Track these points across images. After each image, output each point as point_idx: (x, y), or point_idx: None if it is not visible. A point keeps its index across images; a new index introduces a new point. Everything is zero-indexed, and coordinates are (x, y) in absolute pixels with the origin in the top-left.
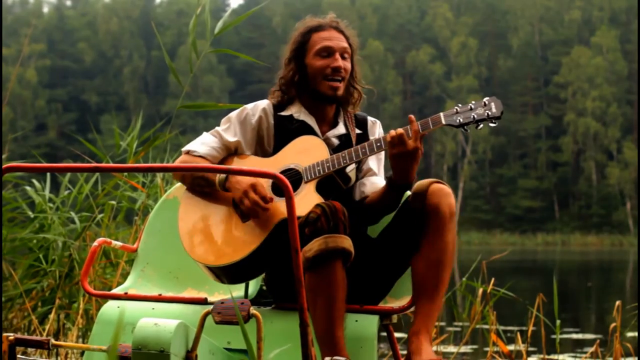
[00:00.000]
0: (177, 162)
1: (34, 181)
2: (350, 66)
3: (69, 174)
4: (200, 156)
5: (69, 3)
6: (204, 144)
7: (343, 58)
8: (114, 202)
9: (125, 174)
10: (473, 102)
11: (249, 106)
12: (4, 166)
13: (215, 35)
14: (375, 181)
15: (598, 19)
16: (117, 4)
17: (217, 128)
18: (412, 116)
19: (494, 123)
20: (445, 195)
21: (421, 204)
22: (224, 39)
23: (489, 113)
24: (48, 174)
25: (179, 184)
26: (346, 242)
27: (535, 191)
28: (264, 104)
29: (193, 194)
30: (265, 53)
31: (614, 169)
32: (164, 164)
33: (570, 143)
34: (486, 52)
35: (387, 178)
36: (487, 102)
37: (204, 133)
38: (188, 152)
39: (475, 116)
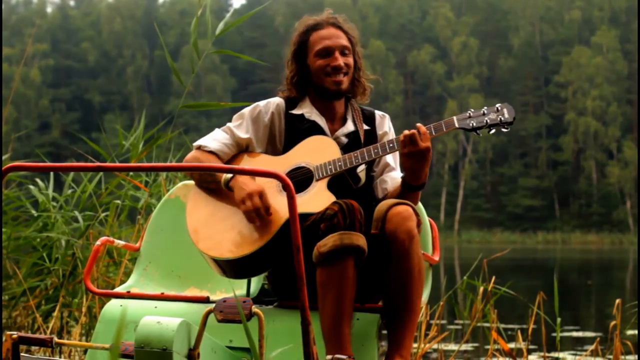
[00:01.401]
0: (188, 157)
1: (38, 180)
2: (352, 61)
3: (72, 173)
4: (210, 151)
5: (72, 3)
6: (215, 140)
7: (344, 55)
8: (118, 202)
9: (130, 173)
10: (486, 107)
11: (262, 103)
12: (7, 165)
13: (217, 36)
14: (395, 176)
15: (598, 18)
16: (121, 4)
17: (229, 124)
18: (419, 124)
19: (506, 128)
20: (403, 219)
21: (380, 231)
22: (226, 38)
23: (502, 118)
24: (51, 173)
25: (181, 184)
26: (361, 240)
27: (535, 190)
28: (277, 101)
29: (201, 190)
30: (268, 53)
31: (614, 168)
32: (167, 164)
33: (571, 142)
34: (487, 51)
35: (401, 179)
36: (499, 108)
37: (216, 129)
38: (199, 147)
39: (488, 121)
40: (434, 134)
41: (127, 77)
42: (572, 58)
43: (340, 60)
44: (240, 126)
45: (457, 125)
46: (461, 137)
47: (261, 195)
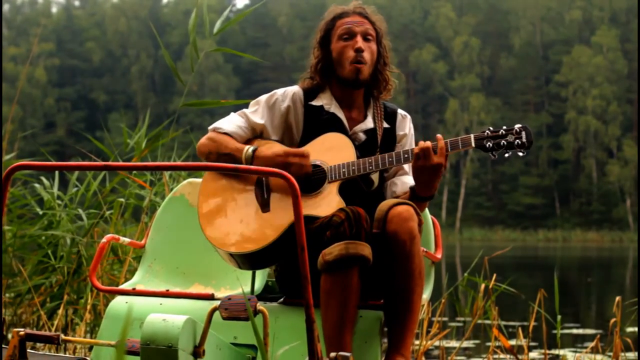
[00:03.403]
0: (202, 140)
1: (43, 179)
2: (375, 49)
3: (76, 172)
4: (226, 133)
5: (77, 3)
6: (231, 123)
7: (366, 40)
8: (122, 200)
9: (134, 171)
10: (504, 127)
11: (279, 91)
12: (13, 165)
13: (215, 34)
14: (406, 180)
15: (598, 18)
16: (125, 4)
17: (244, 110)
18: (439, 135)
19: (523, 152)
20: (404, 220)
21: (381, 230)
22: (230, 38)
23: (519, 142)
24: (56, 172)
25: (185, 182)
26: (366, 250)
27: (536, 188)
28: (295, 90)
29: (217, 174)
30: (271, 52)
31: (614, 167)
32: (172, 163)
33: (571, 141)
34: (488, 51)
35: (410, 189)
36: (518, 130)
37: (232, 113)
38: (214, 130)
39: (505, 143)
40: (449, 150)
41: (131, 76)
42: (573, 58)
43: (361, 43)
44: (256, 112)
45: (473, 144)
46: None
47: (288, 154)
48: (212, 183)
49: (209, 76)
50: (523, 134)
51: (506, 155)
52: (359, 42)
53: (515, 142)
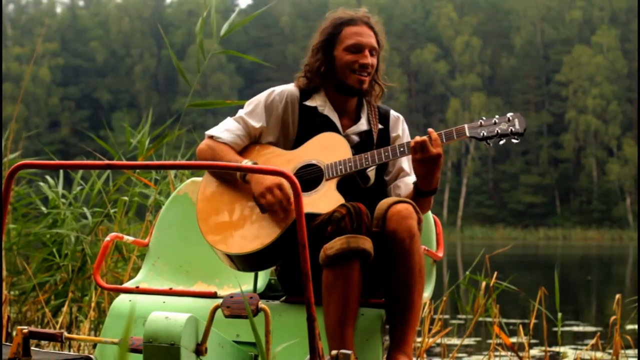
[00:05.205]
0: (201, 146)
1: (48, 177)
2: (376, 62)
3: (81, 171)
4: (224, 143)
5: (81, 3)
6: (228, 131)
7: (371, 55)
8: (126, 198)
9: (138, 170)
10: (497, 116)
11: (277, 90)
12: (17, 164)
13: (222, 36)
14: (409, 181)
15: (598, 18)
16: (129, 4)
17: (241, 113)
18: (431, 129)
19: (517, 139)
20: (403, 218)
21: (381, 228)
22: (232, 38)
23: (512, 129)
24: (61, 171)
25: (189, 180)
26: (367, 244)
27: (537, 187)
28: (291, 90)
29: (214, 177)
30: (273, 52)
31: (614, 165)
32: (175, 162)
33: (572, 140)
34: (489, 51)
35: (413, 185)
36: (511, 118)
37: (228, 118)
38: (212, 137)
39: (499, 131)
40: (444, 141)
41: (134, 76)
42: (573, 57)
43: (369, 59)
44: (254, 114)
45: (468, 134)
46: None
47: (281, 187)
48: (211, 185)
49: (211, 76)
50: (516, 121)
51: (500, 142)
52: (367, 57)
53: (509, 130)
